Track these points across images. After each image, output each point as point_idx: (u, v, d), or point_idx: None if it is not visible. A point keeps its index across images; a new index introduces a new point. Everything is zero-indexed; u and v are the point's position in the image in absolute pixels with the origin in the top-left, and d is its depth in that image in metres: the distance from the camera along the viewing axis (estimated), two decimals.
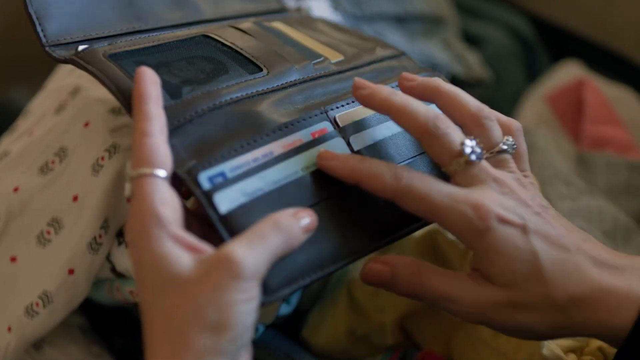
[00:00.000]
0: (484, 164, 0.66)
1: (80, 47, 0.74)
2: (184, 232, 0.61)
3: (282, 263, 0.63)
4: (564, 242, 0.65)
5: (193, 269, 0.59)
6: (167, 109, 0.67)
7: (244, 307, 0.58)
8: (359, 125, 0.72)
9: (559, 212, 0.80)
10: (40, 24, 0.75)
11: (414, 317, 0.81)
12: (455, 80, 1.06)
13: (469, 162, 0.66)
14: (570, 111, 1.13)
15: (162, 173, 0.62)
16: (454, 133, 0.66)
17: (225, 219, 0.63)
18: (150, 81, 0.66)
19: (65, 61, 0.73)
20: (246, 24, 0.82)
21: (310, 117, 0.70)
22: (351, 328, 0.83)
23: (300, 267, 0.64)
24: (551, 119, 1.12)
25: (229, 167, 0.65)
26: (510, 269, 0.63)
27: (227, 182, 0.65)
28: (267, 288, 0.62)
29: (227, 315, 0.58)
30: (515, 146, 0.69)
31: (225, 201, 0.64)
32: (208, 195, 0.64)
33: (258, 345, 0.83)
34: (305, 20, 0.87)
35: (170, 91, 0.70)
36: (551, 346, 0.73)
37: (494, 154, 0.68)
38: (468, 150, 0.65)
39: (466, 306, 0.65)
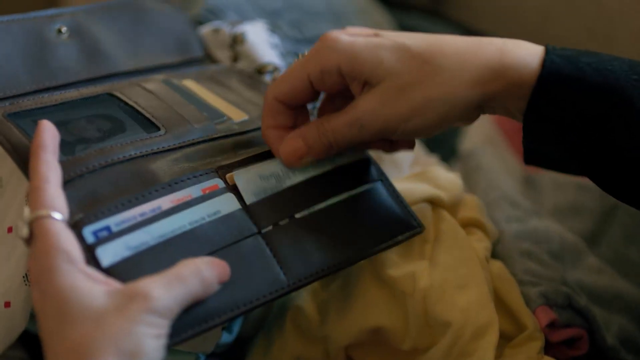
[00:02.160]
0: None
1: None
2: (90, 268, 0.63)
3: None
4: (418, 37, 0.73)
5: (106, 301, 0.61)
6: (60, 164, 0.69)
7: (153, 342, 0.61)
8: (250, 181, 0.74)
9: (505, 235, 0.80)
10: None
11: (358, 346, 0.80)
12: None
13: None
14: (517, 129, 1.12)
15: (63, 217, 0.65)
16: None
17: (107, 272, 0.65)
18: (49, 134, 0.69)
19: None
20: (153, 83, 0.84)
21: (201, 175, 0.73)
22: (297, 355, 0.82)
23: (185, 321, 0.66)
24: (497, 138, 1.11)
25: (114, 221, 0.67)
26: (379, 60, 0.71)
27: (111, 236, 0.66)
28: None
29: (139, 346, 0.60)
30: None
31: (108, 255, 0.66)
32: (90, 249, 0.65)
33: None
34: (219, 76, 0.89)
35: (64, 149, 0.72)
36: None
37: None
38: None
39: (370, 119, 0.72)
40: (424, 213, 0.81)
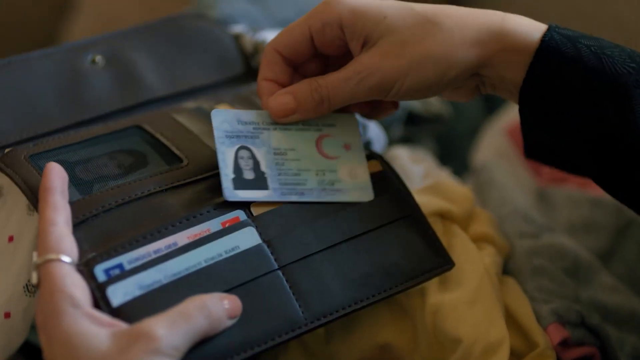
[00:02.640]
0: None
1: (6, 150, 0.76)
2: (96, 310, 0.63)
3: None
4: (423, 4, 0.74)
5: (110, 344, 0.61)
6: (74, 204, 0.69)
7: None
8: (275, 215, 0.73)
9: (517, 250, 0.79)
10: None
11: None
12: (413, 117, 1.03)
13: None
14: None
15: (69, 259, 0.65)
16: None
17: (117, 312, 0.64)
18: (56, 176, 0.69)
19: None
20: (184, 113, 0.82)
21: (222, 207, 0.71)
22: None
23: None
24: (511, 152, 1.10)
25: (127, 259, 0.67)
26: (383, 15, 0.72)
27: (123, 274, 0.66)
28: None
29: None
30: None
31: (119, 294, 0.65)
32: (101, 288, 0.65)
33: None
34: (256, 97, 0.86)
35: (82, 188, 0.72)
36: None
37: None
38: None
39: (370, 73, 0.72)
40: (434, 227, 0.80)
